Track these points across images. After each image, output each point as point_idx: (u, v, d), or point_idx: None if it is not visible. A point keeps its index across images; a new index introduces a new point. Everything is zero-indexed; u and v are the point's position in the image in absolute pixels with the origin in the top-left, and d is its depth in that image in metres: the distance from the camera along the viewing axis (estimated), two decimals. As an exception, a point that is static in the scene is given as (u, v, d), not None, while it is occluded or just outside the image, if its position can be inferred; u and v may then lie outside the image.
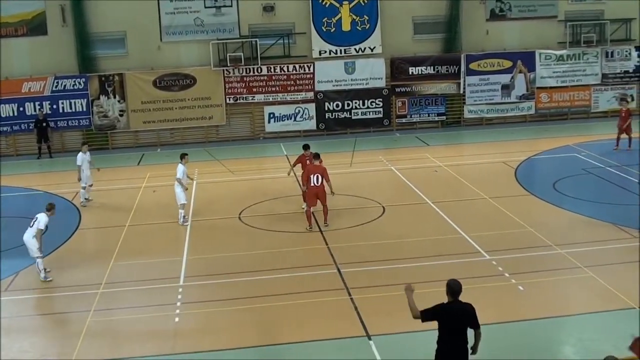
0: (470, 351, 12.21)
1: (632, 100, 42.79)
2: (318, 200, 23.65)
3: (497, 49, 41.42)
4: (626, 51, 42.73)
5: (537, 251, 20.81)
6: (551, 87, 42.12)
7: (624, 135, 33.58)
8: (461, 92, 41.09)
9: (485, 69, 41.11)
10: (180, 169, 24.74)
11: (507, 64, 41.38)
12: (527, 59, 41.62)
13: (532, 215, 24.41)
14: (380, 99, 40.36)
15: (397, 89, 40.45)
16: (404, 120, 40.82)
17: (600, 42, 42.15)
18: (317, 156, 24.04)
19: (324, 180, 23.57)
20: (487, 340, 13.04)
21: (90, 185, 27.85)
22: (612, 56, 42.63)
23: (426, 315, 12.22)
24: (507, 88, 41.54)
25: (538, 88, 41.94)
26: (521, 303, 17.54)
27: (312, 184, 23.39)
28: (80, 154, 27.60)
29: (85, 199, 27.62)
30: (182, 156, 25.18)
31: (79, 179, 27.38)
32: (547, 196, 26.73)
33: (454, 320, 12.19)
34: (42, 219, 19.98)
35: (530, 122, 41.85)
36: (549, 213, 24.95)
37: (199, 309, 17.72)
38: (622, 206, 25.50)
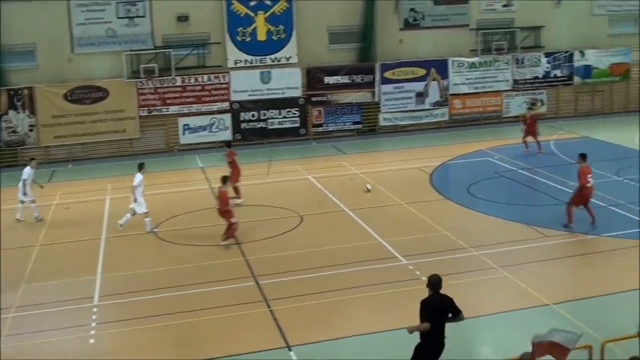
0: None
1: (542, 104, 43.86)
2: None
3: (411, 57, 41.92)
4: (536, 58, 43.73)
5: (453, 254, 21.14)
6: (464, 94, 42.83)
7: (530, 139, 34.65)
8: (376, 100, 41.43)
9: (400, 77, 41.56)
10: (138, 177, 24.69)
11: (421, 72, 41.91)
12: (440, 67, 42.24)
13: (447, 219, 24.79)
14: (297, 109, 40.44)
15: (313, 98, 40.58)
16: (320, 129, 40.97)
17: (510, 50, 43.06)
18: (224, 180, 23.47)
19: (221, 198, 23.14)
20: (405, 343, 13.20)
21: (33, 201, 27.00)
22: (522, 63, 43.57)
23: (426, 319, 12.73)
24: (421, 95, 42.07)
25: (451, 95, 42.59)
26: (438, 305, 17.73)
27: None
28: (27, 168, 26.85)
29: (36, 217, 26.88)
30: (141, 166, 25.21)
31: (25, 193, 26.56)
32: (461, 200, 27.17)
33: (437, 313, 12.81)
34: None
35: (444, 128, 42.43)
36: (463, 216, 25.39)
37: (115, 329, 17.34)
38: (533, 207, 26.21)
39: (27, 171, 26.83)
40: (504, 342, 15.57)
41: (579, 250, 21.28)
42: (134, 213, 24.73)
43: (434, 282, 13.09)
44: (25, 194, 26.69)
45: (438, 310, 12.87)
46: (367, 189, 28.91)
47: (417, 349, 12.92)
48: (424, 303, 12.93)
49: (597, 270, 19.99)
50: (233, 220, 22.76)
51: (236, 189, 27.65)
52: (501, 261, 20.30)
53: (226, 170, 27.16)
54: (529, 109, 38.37)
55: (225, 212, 22.88)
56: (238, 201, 26.93)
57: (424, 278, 18.96)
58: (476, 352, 15.65)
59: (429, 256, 20.96)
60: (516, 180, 29.99)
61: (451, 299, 13.05)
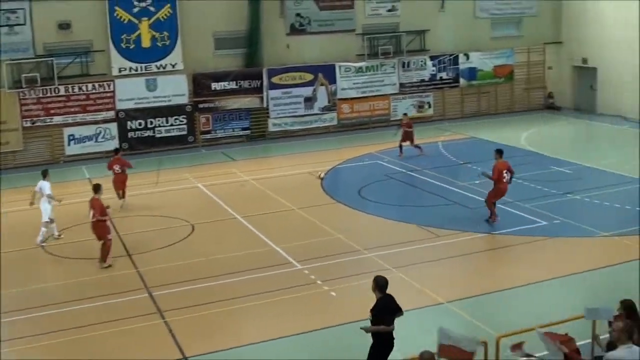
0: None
1: (429, 107, 44.53)
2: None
3: (298, 62, 41.94)
4: (421, 61, 44.35)
5: (347, 257, 21.20)
6: (352, 98, 43.08)
7: (406, 144, 35.20)
8: (265, 106, 41.27)
9: (288, 83, 41.52)
10: (47, 185, 24.23)
11: (309, 77, 41.97)
12: (327, 72, 42.38)
13: (339, 222, 24.86)
14: (184, 116, 39.91)
15: (201, 105, 40.15)
16: (208, 136, 40.55)
17: (396, 53, 43.53)
18: (96, 188, 22.22)
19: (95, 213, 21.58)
20: (309, 347, 13.13)
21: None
22: (408, 66, 44.12)
23: (389, 321, 13.11)
24: (309, 100, 42.12)
25: (339, 99, 42.79)
26: (335, 308, 17.77)
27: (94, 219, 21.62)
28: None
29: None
30: (45, 173, 24.77)
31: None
32: (353, 203, 27.29)
33: (390, 314, 13.19)
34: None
35: (333, 132, 42.57)
36: (356, 219, 25.51)
37: (4, 349, 16.56)
38: (423, 207, 26.57)
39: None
40: (401, 342, 15.57)
41: (471, 249, 21.58)
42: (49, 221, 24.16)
43: (382, 284, 13.40)
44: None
45: (391, 311, 13.25)
46: (320, 176, 30.64)
47: (373, 348, 13.26)
48: (377, 306, 13.24)
49: (490, 267, 20.39)
50: (109, 237, 21.68)
51: (123, 192, 28.01)
52: (395, 262, 20.44)
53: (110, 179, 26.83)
54: (405, 114, 38.76)
55: (100, 224, 21.60)
56: (121, 201, 27.43)
57: (319, 282, 19.09)
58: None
59: (323, 260, 20.96)
60: (406, 182, 30.33)
61: (393, 297, 13.43)
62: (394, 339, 13.25)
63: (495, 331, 13.94)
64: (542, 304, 17.13)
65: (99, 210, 21.50)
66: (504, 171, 23.58)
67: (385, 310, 13.18)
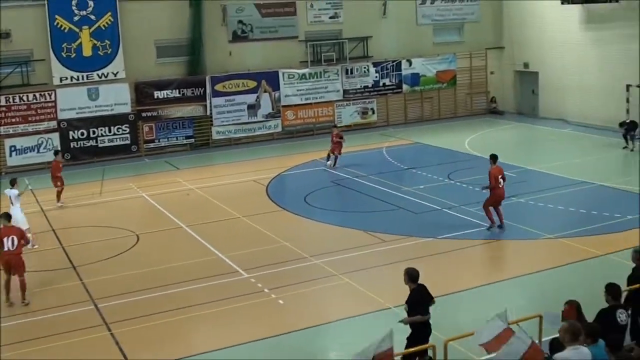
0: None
1: (373, 113, 44.70)
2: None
3: (241, 69, 41.81)
4: (364, 68, 44.51)
5: (293, 264, 21.12)
6: (296, 105, 43.07)
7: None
8: (208, 113, 41.05)
9: (231, 90, 41.36)
10: (15, 192, 24.29)
11: (252, 84, 41.86)
12: (271, 79, 42.32)
13: (286, 229, 24.78)
14: (127, 125, 39.51)
15: (144, 114, 39.80)
16: (152, 145, 40.19)
17: (340, 60, 43.66)
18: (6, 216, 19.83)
19: (20, 244, 19.36)
20: (258, 355, 13.01)
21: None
22: (351, 73, 44.24)
23: (424, 310, 13.80)
24: (253, 108, 42.01)
25: (283, 106, 42.74)
26: (283, 316, 17.69)
27: (6, 249, 19.08)
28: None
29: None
30: (13, 182, 24.87)
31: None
32: (299, 210, 27.23)
33: (425, 303, 13.82)
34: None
35: (277, 139, 42.52)
36: (302, 226, 25.48)
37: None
38: (369, 213, 26.60)
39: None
40: (351, 348, 15.53)
41: (417, 253, 21.60)
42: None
43: (414, 276, 14.05)
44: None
45: (425, 300, 13.88)
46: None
47: (410, 338, 13.75)
48: (411, 297, 13.93)
49: (436, 271, 20.36)
50: (25, 275, 19.43)
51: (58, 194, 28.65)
52: (341, 268, 20.44)
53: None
54: (335, 126, 38.91)
55: (16, 255, 19.26)
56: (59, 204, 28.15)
57: (266, 290, 18.99)
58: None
59: (270, 268, 20.85)
60: (352, 188, 30.34)
61: (426, 286, 14.14)
62: (430, 327, 13.84)
63: (444, 335, 13.95)
64: (489, 307, 17.14)
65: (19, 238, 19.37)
66: (499, 176, 23.32)
67: (421, 301, 13.81)
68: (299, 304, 18.29)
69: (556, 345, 11.74)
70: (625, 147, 34.81)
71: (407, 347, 13.63)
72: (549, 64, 44.90)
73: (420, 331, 13.70)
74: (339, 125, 38.75)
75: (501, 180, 23.33)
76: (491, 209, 23.45)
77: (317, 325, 16.87)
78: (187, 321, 17.62)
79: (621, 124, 35.47)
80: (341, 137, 35.06)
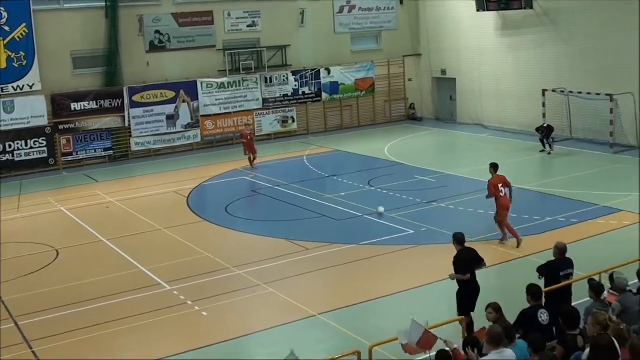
0: None
1: (293, 121, 44.72)
2: None
3: (159, 80, 41.41)
4: (284, 76, 44.50)
5: (216, 275, 20.98)
6: (215, 115, 42.81)
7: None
8: (126, 125, 40.54)
9: (149, 101, 40.91)
10: None
11: (170, 94, 41.48)
12: (189, 88, 41.99)
13: (207, 240, 24.64)
14: (44, 138, 38.74)
15: (61, 127, 39.07)
16: (70, 158, 39.48)
17: (258, 69, 43.58)
18: None
19: None
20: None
21: None
22: (271, 81, 44.18)
23: (467, 269, 15.62)
24: (172, 118, 41.62)
25: (202, 116, 42.45)
26: (207, 328, 17.55)
27: None
28: None
29: None
30: None
31: None
32: (220, 220, 27.08)
33: (470, 263, 15.69)
34: None
35: (197, 149, 42.20)
36: (224, 236, 25.35)
37: None
38: (292, 221, 26.61)
39: None
40: (278, 357, 15.51)
41: (340, 260, 21.69)
42: None
43: (460, 239, 16.10)
44: None
45: (470, 261, 15.73)
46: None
47: (459, 294, 15.68)
48: (457, 258, 15.75)
49: (360, 277, 20.49)
50: None
51: None
52: (265, 277, 20.38)
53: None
54: (246, 125, 39.70)
55: None
56: None
57: (189, 302, 18.82)
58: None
59: (192, 279, 20.68)
60: (273, 197, 30.29)
61: (475, 250, 16.09)
62: (478, 285, 15.69)
63: (368, 340, 14.00)
64: (414, 311, 17.22)
65: None
66: (500, 185, 22.52)
67: (464, 261, 15.66)
68: (223, 315, 18.17)
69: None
70: (542, 151, 35.49)
71: (458, 302, 15.64)
72: (466, 71, 45.58)
73: (468, 288, 15.55)
74: (250, 130, 38.90)
75: (502, 189, 22.45)
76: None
77: (242, 336, 16.77)
78: (110, 336, 17.34)
79: (538, 129, 36.15)
80: (246, 137, 36.12)
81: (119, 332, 17.52)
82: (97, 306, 19.18)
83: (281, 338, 16.63)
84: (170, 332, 17.42)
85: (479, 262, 15.87)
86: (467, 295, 15.47)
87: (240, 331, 17.04)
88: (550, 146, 35.38)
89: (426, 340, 11.71)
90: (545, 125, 36.39)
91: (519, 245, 21.98)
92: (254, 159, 36.41)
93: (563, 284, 14.88)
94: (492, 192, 22.60)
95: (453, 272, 15.81)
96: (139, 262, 22.56)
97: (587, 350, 9.71)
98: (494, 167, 23.26)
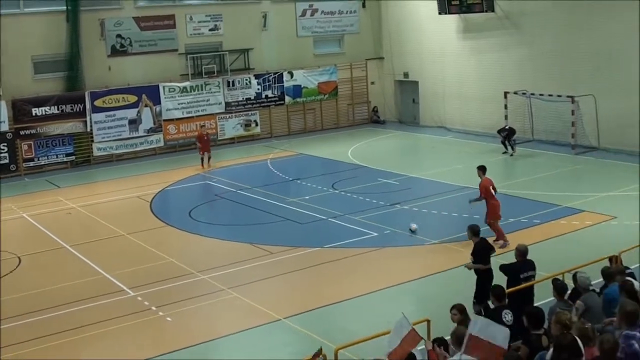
0: None
1: (257, 125, 44.66)
2: None
3: (121, 84, 41.15)
4: (246, 80, 44.43)
5: (180, 280, 20.89)
6: (178, 119, 42.61)
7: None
8: (88, 130, 40.22)
9: (111, 105, 40.62)
10: None
11: (132, 98, 41.23)
12: (151, 93, 41.76)
13: (171, 245, 24.54)
14: (5, 144, 38.24)
15: (22, 132, 38.65)
16: (31, 163, 39.07)
17: (221, 73, 43.45)
18: None
19: None
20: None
21: None
22: (233, 85, 44.09)
23: (487, 259, 16.89)
24: (134, 123, 41.37)
25: (165, 120, 42.23)
26: (172, 334, 17.48)
27: None
28: None
29: None
30: None
31: None
32: (183, 225, 26.96)
33: (487, 253, 16.95)
34: None
35: (160, 154, 41.99)
36: (187, 241, 25.24)
37: None
38: (255, 225, 26.59)
39: None
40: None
41: (305, 263, 21.72)
42: None
43: (477, 230, 17.16)
44: None
45: (488, 250, 16.85)
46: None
47: (477, 283, 16.53)
48: (478, 248, 16.79)
49: (325, 280, 20.54)
50: None
51: None
52: (229, 282, 20.34)
53: None
54: (202, 126, 40.24)
55: None
56: None
57: (154, 308, 18.72)
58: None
59: (156, 285, 20.58)
60: (237, 201, 30.22)
61: (486, 239, 17.41)
62: (492, 273, 16.42)
63: (334, 343, 14.02)
64: (378, 313, 17.41)
65: None
66: (490, 187, 22.51)
67: (482, 251, 16.70)
68: (188, 321, 18.10)
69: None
70: (504, 153, 35.77)
71: (476, 291, 16.40)
72: (429, 73, 45.81)
73: (485, 277, 16.37)
74: (206, 131, 39.33)
75: (492, 191, 22.51)
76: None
77: (207, 341, 16.72)
78: (74, 343, 17.20)
79: (499, 131, 36.44)
80: (201, 137, 37.33)
81: (84, 339, 17.39)
82: (61, 313, 19.01)
83: (247, 342, 16.63)
84: (135, 338, 17.32)
85: (492, 250, 17.19)
86: (486, 284, 16.09)
87: (205, 336, 16.99)
88: (512, 148, 35.68)
89: (412, 338, 11.69)
90: (507, 127, 36.70)
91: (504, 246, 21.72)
92: (209, 158, 37.39)
93: (525, 285, 15.03)
94: (483, 195, 22.61)
95: (469, 262, 16.81)
96: (102, 268, 22.39)
97: (552, 349, 9.79)
98: (482, 169, 23.26)
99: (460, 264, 20.49)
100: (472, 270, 16.72)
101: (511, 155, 35.46)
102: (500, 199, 26.96)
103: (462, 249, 21.94)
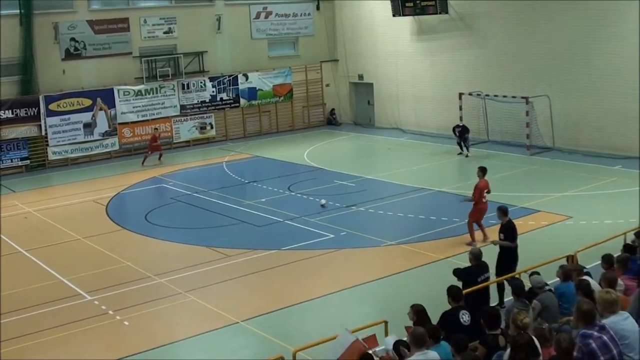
0: None
1: (212, 128, 44.61)
2: None
3: (75, 88, 40.86)
4: (201, 82, 44.35)
5: (137, 284, 20.83)
6: (133, 122, 42.41)
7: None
8: (43, 134, 39.89)
9: (66, 109, 40.31)
10: None
11: (87, 102, 40.95)
12: (106, 96, 41.50)
13: (128, 249, 24.43)
14: (-43, 148, 37.96)
15: (-25, 137, 38.36)
16: (-15, 168, 38.76)
17: (175, 75, 43.36)
18: None
19: None
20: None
21: None
22: (188, 88, 43.99)
23: (516, 237, 18.25)
24: (89, 126, 41.09)
25: (120, 124, 42.02)
26: (129, 338, 17.45)
27: None
28: None
29: None
30: None
31: None
32: (139, 229, 26.88)
33: (514, 232, 18.34)
34: None
35: (115, 157, 41.76)
36: (144, 245, 25.15)
37: None
38: (211, 228, 26.61)
39: None
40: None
41: (261, 266, 21.76)
42: None
43: (505, 210, 18.52)
44: None
45: (515, 231, 18.15)
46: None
47: (499, 260, 17.78)
48: (508, 227, 18.12)
49: (282, 282, 20.59)
50: None
51: None
52: (186, 285, 20.33)
53: None
54: (155, 129, 41.23)
55: None
56: None
57: (111, 312, 18.67)
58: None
59: (113, 289, 20.49)
60: (193, 204, 30.18)
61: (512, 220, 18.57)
62: (517, 251, 17.99)
63: (292, 345, 14.11)
64: (336, 315, 17.53)
65: None
66: (485, 190, 22.51)
67: (511, 231, 18.04)
68: (145, 325, 18.07)
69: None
70: (459, 154, 36.08)
71: (498, 266, 17.52)
72: (383, 75, 46.09)
73: (509, 255, 17.79)
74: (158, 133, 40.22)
75: (486, 194, 22.55)
76: (474, 225, 22.69)
77: (164, 345, 16.70)
78: (31, 348, 17.07)
79: (454, 128, 36.53)
80: (155, 140, 39.11)
81: (41, 343, 17.28)
82: (17, 318, 18.85)
83: (204, 346, 16.64)
84: (93, 342, 17.25)
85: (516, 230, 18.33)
86: (509, 260, 17.68)
87: (162, 340, 16.97)
88: (467, 148, 35.99)
89: (355, 348, 11.84)
90: (462, 124, 36.95)
91: (472, 244, 21.60)
92: (160, 155, 39.23)
93: (481, 285, 15.22)
94: (477, 196, 22.53)
95: (497, 239, 18.26)
96: (58, 272, 22.25)
97: (509, 349, 9.93)
98: (483, 170, 23.08)
99: (417, 265, 20.86)
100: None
101: (466, 156, 35.79)
102: (457, 199, 27.34)
103: (419, 250, 22.20)
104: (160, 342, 16.82)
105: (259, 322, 17.58)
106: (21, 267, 23.44)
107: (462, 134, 36.21)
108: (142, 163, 38.56)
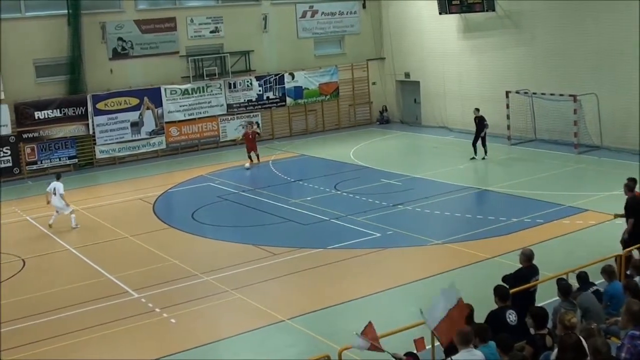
0: None
1: (258, 127, 44.64)
2: None
3: (122, 87, 41.22)
4: (247, 81, 44.47)
5: (184, 282, 20.91)
6: (180, 121, 42.68)
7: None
8: (91, 133, 40.29)
9: (113, 108, 40.70)
10: (61, 185, 27.98)
11: (134, 101, 41.29)
12: (153, 95, 41.83)
13: (174, 247, 24.53)
14: (8, 147, 38.36)
15: (25, 135, 38.74)
16: (34, 167, 39.17)
17: (222, 75, 43.51)
18: None
19: None
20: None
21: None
22: (234, 87, 44.13)
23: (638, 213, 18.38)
24: (136, 125, 41.43)
25: (167, 123, 42.30)
26: (175, 335, 17.47)
27: None
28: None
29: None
30: (59, 175, 29.15)
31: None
32: (186, 227, 27.01)
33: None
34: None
35: (162, 156, 42.07)
36: (190, 243, 25.23)
37: None
38: (258, 227, 26.62)
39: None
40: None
41: (308, 264, 21.73)
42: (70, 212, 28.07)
43: (633, 187, 18.59)
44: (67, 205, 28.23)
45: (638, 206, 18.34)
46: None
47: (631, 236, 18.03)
48: (629, 203, 18.27)
49: (328, 281, 20.54)
50: None
51: None
52: (233, 283, 20.37)
53: None
54: (249, 124, 40.16)
55: None
56: None
57: (158, 310, 18.78)
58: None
59: (160, 287, 20.61)
60: (239, 202, 30.27)
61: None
62: None
63: (338, 345, 14.06)
64: (383, 314, 17.41)
65: None
66: None
67: (635, 206, 18.25)
68: (192, 322, 18.13)
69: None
70: (472, 158, 35.02)
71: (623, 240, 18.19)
72: (430, 73, 45.85)
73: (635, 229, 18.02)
74: (252, 129, 39.19)
75: None
76: None
77: (211, 343, 16.75)
78: (77, 345, 17.24)
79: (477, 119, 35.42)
80: (252, 135, 38.02)
81: (87, 341, 17.43)
82: (65, 315, 19.06)
83: (250, 344, 16.67)
84: (139, 340, 17.36)
85: None
86: (633, 235, 17.81)
87: (209, 338, 17.02)
88: (484, 149, 35.12)
89: (460, 311, 11.61)
90: (479, 114, 35.50)
91: None
92: (257, 156, 38.03)
93: (528, 285, 14.99)
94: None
95: (618, 213, 19.05)
96: (106, 270, 22.44)
97: (556, 349, 9.80)
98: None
99: (464, 264, 20.70)
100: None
101: (483, 159, 35.08)
102: (503, 199, 27.12)
103: (465, 249, 22.03)
104: (206, 340, 16.87)
105: (305, 321, 17.57)
106: (70, 265, 23.71)
107: (480, 123, 35.02)
108: (251, 161, 37.70)
